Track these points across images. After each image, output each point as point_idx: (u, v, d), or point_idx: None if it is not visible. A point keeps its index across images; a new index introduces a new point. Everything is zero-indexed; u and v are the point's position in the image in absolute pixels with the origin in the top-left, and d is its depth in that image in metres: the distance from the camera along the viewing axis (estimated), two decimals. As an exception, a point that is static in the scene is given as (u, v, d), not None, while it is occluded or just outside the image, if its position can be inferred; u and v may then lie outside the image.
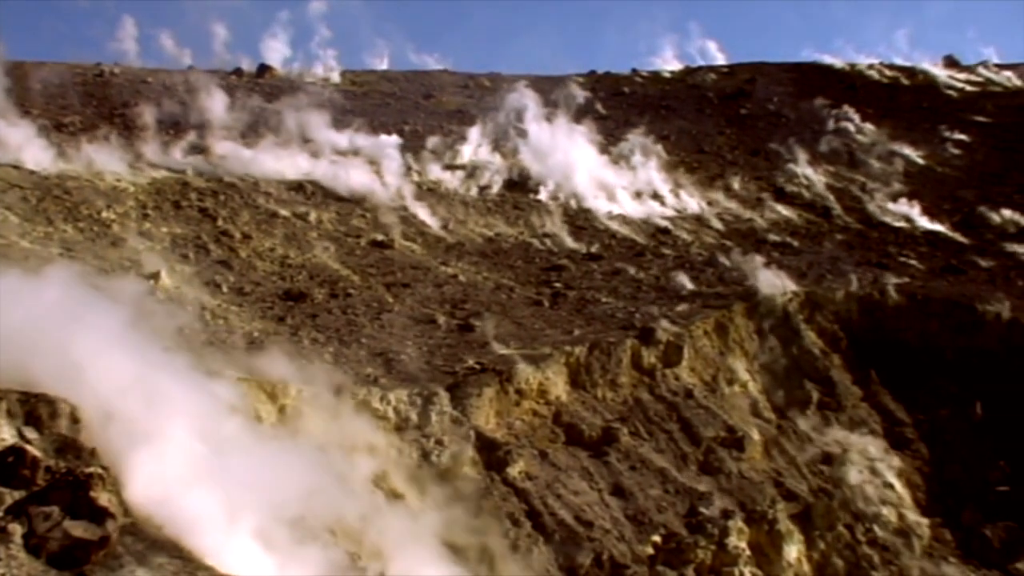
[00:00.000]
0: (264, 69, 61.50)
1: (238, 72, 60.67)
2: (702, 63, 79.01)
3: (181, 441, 13.17)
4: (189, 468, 12.90)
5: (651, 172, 50.07)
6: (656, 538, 21.55)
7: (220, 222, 32.93)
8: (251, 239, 32.34)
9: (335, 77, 63.29)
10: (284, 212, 35.48)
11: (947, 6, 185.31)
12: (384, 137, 44.75)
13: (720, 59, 79.39)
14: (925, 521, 27.06)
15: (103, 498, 10.90)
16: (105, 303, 15.57)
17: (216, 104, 45.35)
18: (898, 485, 27.68)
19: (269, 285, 29.15)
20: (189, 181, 35.80)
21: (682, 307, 31.02)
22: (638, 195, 47.35)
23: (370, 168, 41.65)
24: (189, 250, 30.25)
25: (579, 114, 54.32)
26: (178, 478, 12.61)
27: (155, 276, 26.17)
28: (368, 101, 56.00)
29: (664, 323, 28.56)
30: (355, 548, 17.00)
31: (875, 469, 27.71)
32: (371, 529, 17.62)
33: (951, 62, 78.83)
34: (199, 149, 39.32)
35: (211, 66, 61.81)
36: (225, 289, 27.78)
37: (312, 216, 35.81)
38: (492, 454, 21.84)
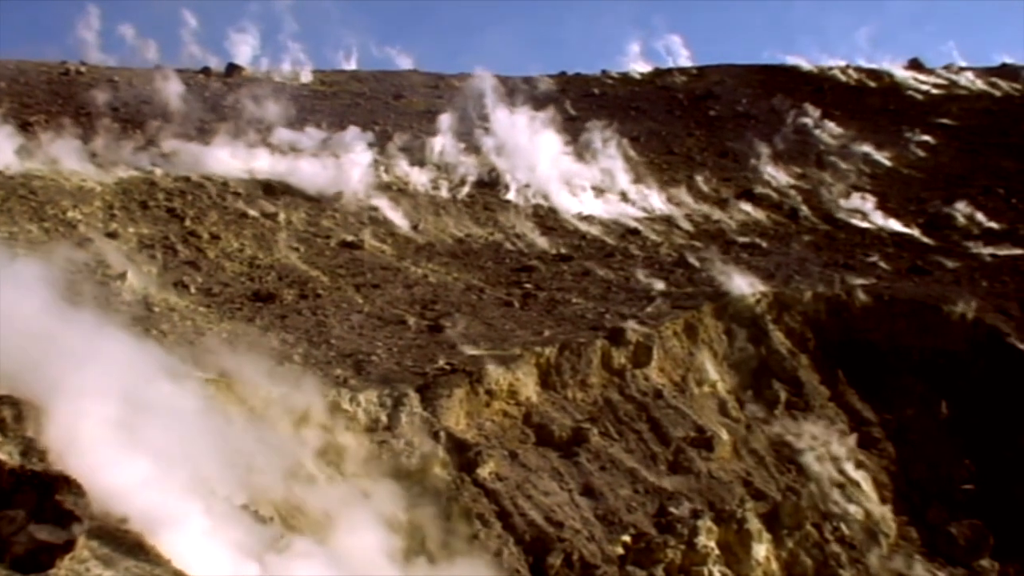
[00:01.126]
0: (233, 68, 61.16)
1: (206, 71, 60.31)
2: (670, 62, 79.29)
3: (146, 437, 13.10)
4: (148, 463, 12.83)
5: (620, 173, 50.21)
6: (626, 538, 21.62)
7: (188, 222, 32.74)
8: (219, 239, 32.17)
9: (304, 77, 63.04)
10: (253, 212, 35.31)
11: (910, 5, 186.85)
12: (353, 136, 44.57)
13: (685, 54, 79.67)
14: (892, 519, 27.29)
15: (69, 501, 10.82)
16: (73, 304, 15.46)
17: (183, 103, 45.10)
18: (865, 484, 27.89)
19: (238, 286, 29.02)
20: (156, 181, 35.57)
21: (652, 308, 31.11)
22: (608, 196, 47.47)
23: (339, 168, 41.49)
24: (156, 251, 30.07)
25: (548, 115, 54.34)
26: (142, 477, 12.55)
27: (122, 277, 25.99)
28: (338, 101, 55.87)
29: (634, 324, 28.65)
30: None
31: (842, 468, 27.91)
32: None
33: (916, 65, 79.58)
34: (166, 148, 39.03)
35: (179, 65, 61.47)
36: (193, 290, 27.63)
37: (281, 216, 35.65)
38: (462, 455, 21.82)
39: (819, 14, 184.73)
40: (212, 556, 12.81)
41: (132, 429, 13.04)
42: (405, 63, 72.05)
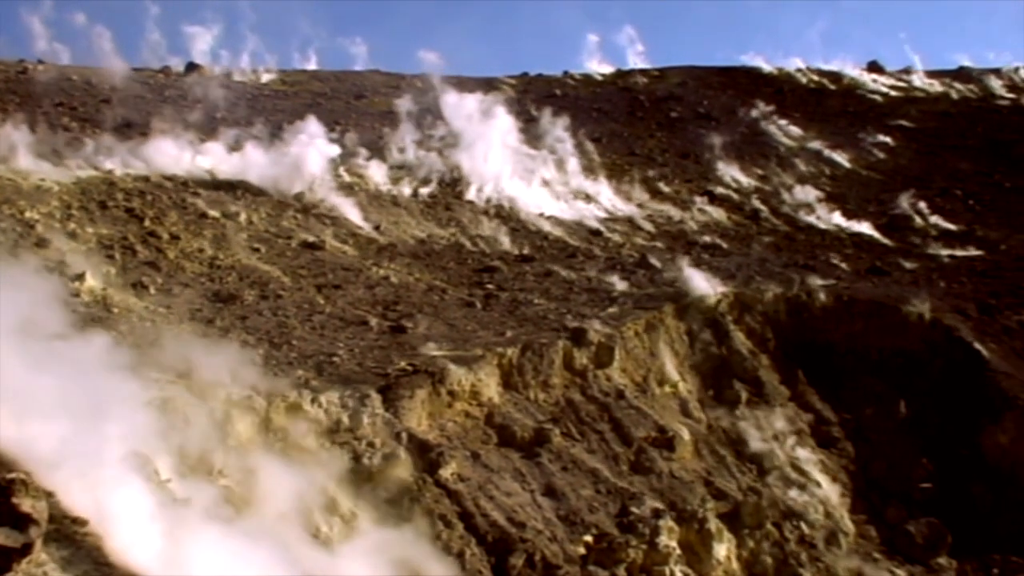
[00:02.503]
0: (192, 67, 60.79)
1: (165, 70, 59.90)
2: (629, 55, 79.73)
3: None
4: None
5: (582, 174, 50.37)
6: (588, 538, 21.63)
7: (147, 223, 32.45)
8: (179, 240, 31.91)
9: (265, 76, 62.77)
10: (213, 213, 35.07)
11: (863, 4, 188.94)
12: (313, 136, 44.35)
13: (640, 49, 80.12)
14: (851, 518, 27.50)
15: (26, 504, 10.66)
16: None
17: (143, 103, 44.73)
18: (825, 483, 28.09)
19: (198, 287, 28.78)
20: (115, 181, 35.25)
21: (613, 308, 31.19)
22: (570, 197, 47.59)
23: (300, 168, 41.29)
24: (115, 251, 29.77)
25: (510, 115, 54.37)
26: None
27: (80, 278, 25.71)
28: (298, 101, 55.61)
29: (596, 324, 28.70)
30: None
31: (802, 468, 28.11)
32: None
33: (875, 67, 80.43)
34: (125, 148, 38.68)
35: (139, 64, 61.04)
36: (153, 291, 27.37)
37: (242, 217, 35.43)
38: (424, 456, 21.75)
39: (772, 11, 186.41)
40: (172, 559, 12.72)
41: (88, 431, 12.89)
42: (359, 55, 72.04)
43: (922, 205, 49.80)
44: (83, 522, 11.80)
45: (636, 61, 79.80)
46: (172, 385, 18.68)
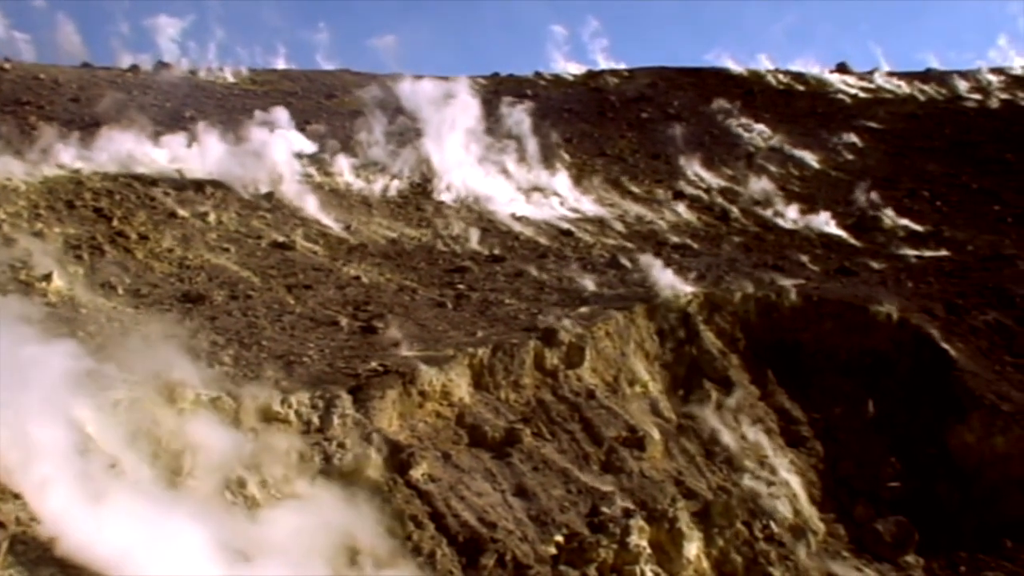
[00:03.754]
0: (161, 66, 60.44)
1: (134, 69, 59.50)
2: (599, 61, 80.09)
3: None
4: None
5: (553, 174, 50.45)
6: (559, 538, 21.64)
7: (116, 222, 32.23)
8: (148, 240, 31.71)
9: (235, 76, 62.47)
10: (183, 212, 34.87)
11: (828, 1, 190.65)
12: (284, 136, 44.17)
13: (605, 43, 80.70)
14: (820, 517, 27.67)
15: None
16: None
17: (111, 101, 44.41)
18: (794, 482, 28.24)
19: (167, 287, 28.61)
20: (83, 180, 34.99)
21: (584, 308, 31.24)
22: (541, 197, 47.65)
23: (270, 168, 41.13)
24: (83, 251, 29.54)
25: (482, 117, 54.38)
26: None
27: (47, 278, 25.50)
28: (268, 100, 55.36)
29: (566, 324, 28.73)
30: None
31: (772, 467, 28.25)
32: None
33: (843, 68, 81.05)
34: (93, 147, 38.38)
35: (108, 62, 60.63)
36: (121, 291, 27.18)
37: (211, 217, 35.26)
38: (395, 456, 21.71)
39: (737, 7, 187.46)
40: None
41: (54, 435, 12.81)
42: (322, 45, 72.24)
43: (877, 200, 50.26)
44: (49, 525, 11.73)
45: (601, 59, 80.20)
46: (140, 386, 18.56)
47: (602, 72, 77.88)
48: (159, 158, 39.43)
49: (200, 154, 40.79)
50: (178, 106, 45.05)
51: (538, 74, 75.88)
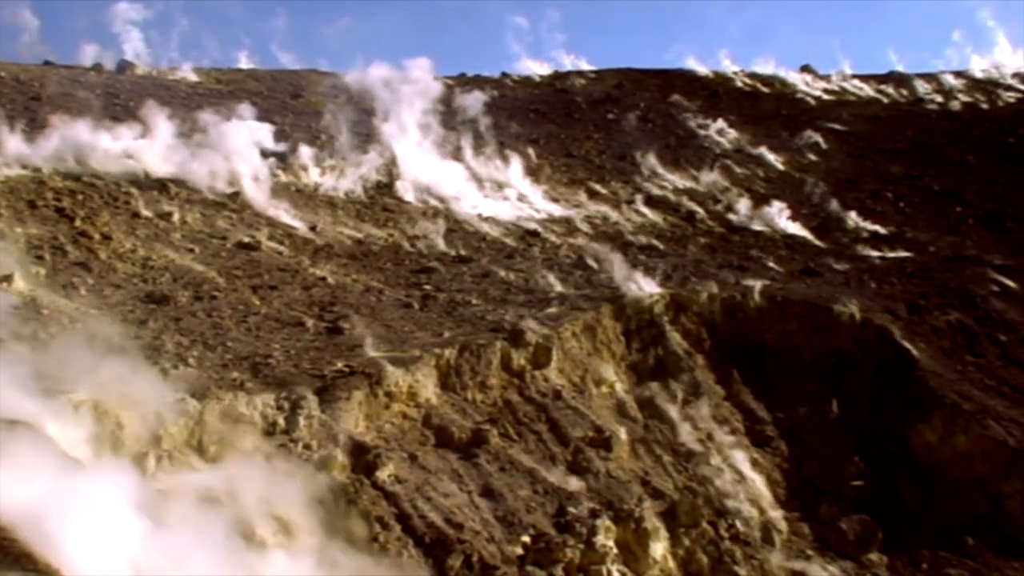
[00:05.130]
0: (125, 65, 59.91)
1: (97, 68, 58.95)
2: (560, 57, 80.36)
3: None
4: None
5: (520, 175, 50.45)
6: (525, 538, 21.66)
7: (78, 222, 31.90)
8: (111, 240, 31.41)
9: (199, 75, 62.04)
10: (146, 212, 34.58)
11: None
12: (250, 135, 43.88)
13: (563, 37, 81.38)
14: (784, 516, 27.84)
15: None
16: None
17: (74, 100, 43.97)
18: (759, 481, 28.42)
19: (130, 288, 28.35)
20: (45, 180, 34.62)
21: (551, 309, 31.29)
22: (507, 198, 47.65)
23: (235, 168, 40.87)
24: (45, 252, 29.22)
25: (448, 117, 54.33)
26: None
27: (8, 279, 25.21)
28: (234, 99, 54.97)
29: (533, 325, 28.76)
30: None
31: (737, 466, 28.40)
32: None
33: (808, 70, 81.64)
34: (56, 146, 37.95)
35: (71, 61, 60.10)
36: (84, 292, 26.92)
37: (176, 217, 34.97)
38: (361, 458, 21.66)
39: (698, 6, 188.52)
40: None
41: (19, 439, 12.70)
42: (278, 37, 72.08)
43: (840, 201, 50.72)
44: (10, 528, 11.59)
45: (565, 58, 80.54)
46: (103, 388, 18.40)
47: (568, 73, 78.04)
48: (122, 157, 39.04)
49: (165, 154, 40.44)
50: (142, 106, 44.54)
51: (505, 75, 75.99)
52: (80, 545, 11.84)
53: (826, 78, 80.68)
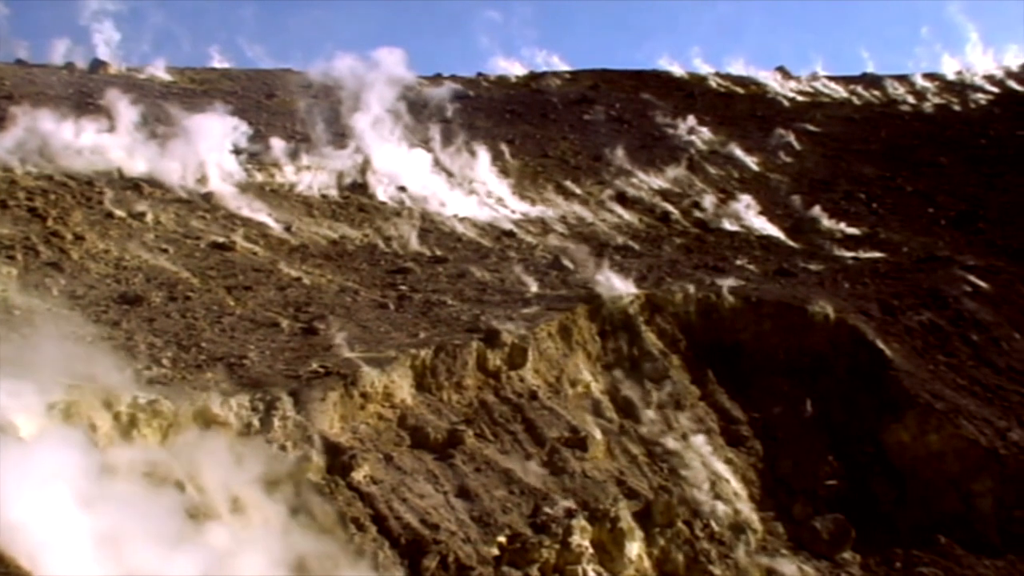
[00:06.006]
0: (98, 64, 59.54)
1: (70, 67, 58.57)
2: (537, 59, 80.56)
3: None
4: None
5: (496, 175, 50.46)
6: (501, 539, 21.66)
7: (50, 222, 31.67)
8: (84, 240, 31.20)
9: (173, 74, 61.71)
10: (119, 212, 34.37)
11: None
12: (225, 135, 43.67)
13: (533, 34, 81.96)
14: (759, 515, 27.95)
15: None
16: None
17: (46, 99, 43.65)
18: (733, 481, 28.51)
19: (103, 288, 28.16)
20: (17, 179, 34.35)
21: (527, 309, 31.29)
22: (483, 198, 47.64)
23: (209, 168, 40.69)
24: (17, 251, 28.99)
25: (424, 117, 54.31)
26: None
27: (-21, 279, 25.02)
28: (208, 99, 54.71)
29: (509, 325, 28.75)
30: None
31: (712, 466, 28.48)
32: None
33: (783, 72, 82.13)
34: (28, 145, 37.66)
35: (43, 60, 59.65)
36: (56, 292, 26.73)
37: (149, 216, 34.77)
38: (336, 459, 21.59)
39: (669, 4, 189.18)
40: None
41: None
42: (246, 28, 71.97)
43: (827, 208, 50.96)
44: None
45: (538, 56, 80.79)
46: (76, 389, 18.27)
47: (544, 74, 78.22)
48: (95, 156, 38.79)
49: (138, 153, 40.21)
50: (115, 104, 44.23)
51: (480, 75, 76.05)
52: (11, 514, 11.85)
53: (800, 79, 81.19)
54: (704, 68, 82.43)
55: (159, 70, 61.83)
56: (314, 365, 24.27)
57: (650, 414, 29.52)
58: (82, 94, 48.38)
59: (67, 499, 13.55)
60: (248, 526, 18.29)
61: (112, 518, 13.93)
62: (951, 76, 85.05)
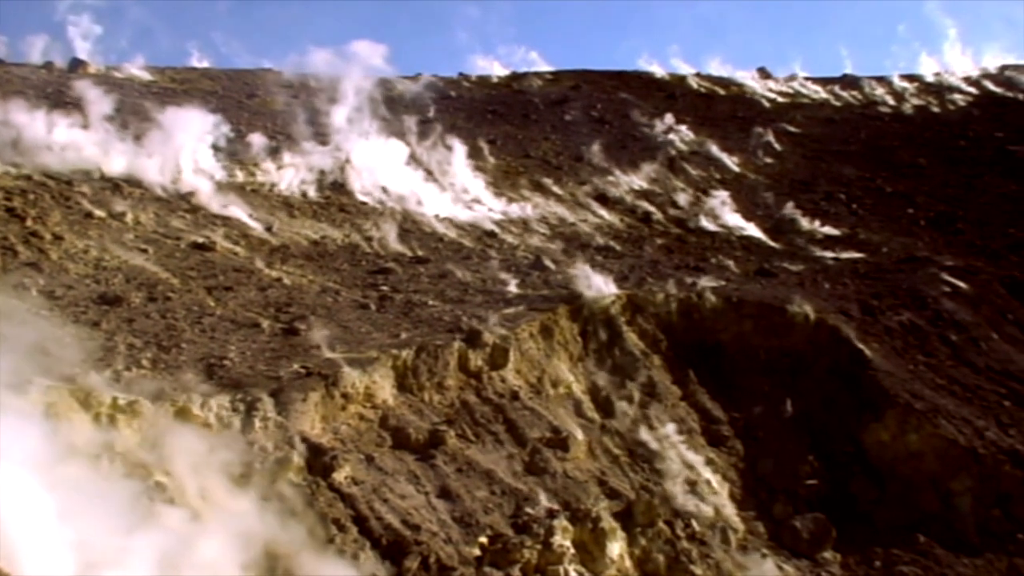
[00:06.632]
0: (77, 63, 59.24)
1: (48, 66, 58.24)
2: (522, 61, 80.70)
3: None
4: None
5: (477, 175, 50.46)
6: (483, 539, 21.64)
7: (29, 222, 31.46)
8: (63, 240, 31.01)
9: (153, 74, 61.43)
10: (99, 212, 34.18)
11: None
12: (205, 135, 43.50)
13: (513, 31, 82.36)
14: (739, 515, 28.01)
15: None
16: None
17: (24, 98, 43.36)
18: (714, 481, 28.56)
19: (83, 288, 28.00)
20: (-5, 179, 34.12)
21: (508, 310, 31.28)
22: (465, 198, 47.63)
23: (189, 168, 40.54)
24: (-5, 252, 28.83)
25: (404, 115, 54.26)
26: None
27: (-44, 280, 24.85)
28: (188, 99, 54.52)
29: (490, 326, 28.74)
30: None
31: (693, 466, 28.53)
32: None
33: (764, 73, 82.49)
34: (6, 145, 37.42)
35: (18, 51, 59.30)
36: (35, 293, 26.55)
37: (129, 216, 34.60)
38: (318, 459, 21.53)
39: (648, 3, 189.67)
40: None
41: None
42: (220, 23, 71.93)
43: (807, 209, 51.19)
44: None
45: (515, 49, 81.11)
46: (55, 390, 18.16)
47: (526, 74, 78.42)
48: (74, 156, 38.58)
49: (118, 153, 40.02)
50: (95, 104, 44.01)
51: (463, 75, 76.12)
52: None
53: (780, 80, 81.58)
54: (683, 67, 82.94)
55: (139, 69, 61.59)
56: (295, 366, 24.20)
57: (631, 414, 29.55)
58: (61, 93, 48.09)
59: (26, 480, 13.53)
60: (215, 512, 18.20)
61: (72, 500, 13.93)
62: (930, 77, 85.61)
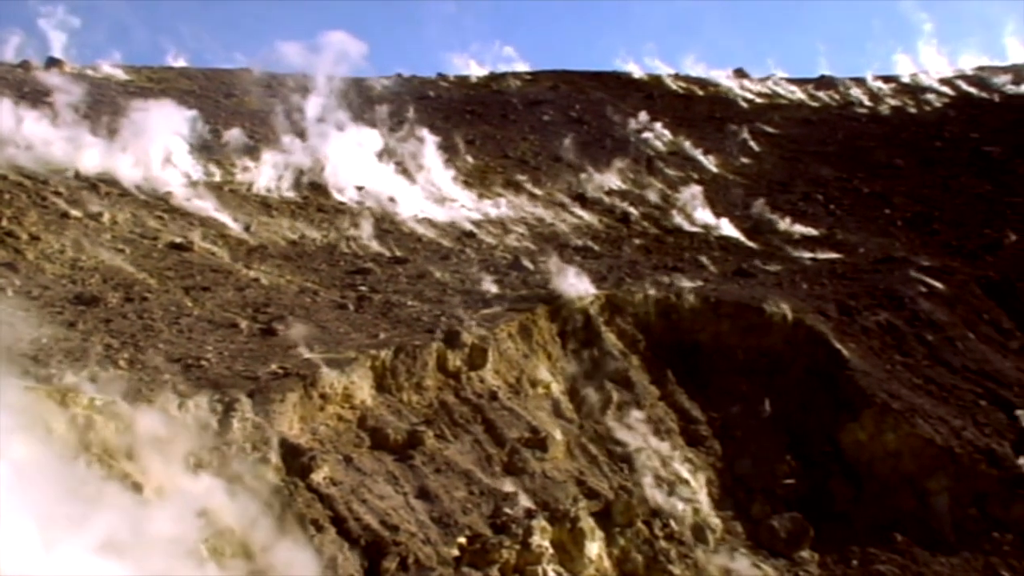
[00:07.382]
0: (53, 62, 58.90)
1: (25, 65, 57.86)
2: (506, 69, 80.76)
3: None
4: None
5: (456, 176, 50.44)
6: (461, 539, 21.62)
7: (4, 222, 31.22)
8: (39, 240, 30.79)
9: (130, 73, 61.10)
10: (76, 212, 33.95)
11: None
12: (182, 134, 43.30)
13: (489, 27, 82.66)
14: (718, 514, 28.11)
15: None
16: None
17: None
18: (693, 481, 28.64)
19: (59, 289, 27.80)
20: (-30, 179, 33.85)
21: (487, 310, 31.28)
22: (443, 198, 47.61)
23: (167, 167, 40.36)
24: (-30, 252, 28.59)
25: (383, 117, 54.16)
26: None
27: (-69, 280, 24.64)
28: (166, 98, 54.22)
29: (469, 326, 28.73)
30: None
31: (671, 466, 28.61)
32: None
33: (742, 73, 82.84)
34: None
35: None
36: (10, 293, 26.35)
37: (106, 217, 34.39)
38: (296, 460, 21.45)
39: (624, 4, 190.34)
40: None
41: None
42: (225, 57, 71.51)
43: (785, 209, 51.40)
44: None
45: (491, 45, 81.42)
46: (31, 391, 18.03)
47: (505, 75, 78.46)
48: (51, 156, 38.35)
49: (95, 152, 39.79)
50: (71, 103, 43.73)
51: (441, 75, 76.11)
52: None
53: (757, 80, 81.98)
54: (658, 65, 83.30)
55: (116, 68, 61.27)
56: (273, 366, 24.09)
57: (610, 414, 29.60)
58: (37, 92, 47.75)
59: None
60: (173, 494, 18.12)
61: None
62: (906, 78, 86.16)
